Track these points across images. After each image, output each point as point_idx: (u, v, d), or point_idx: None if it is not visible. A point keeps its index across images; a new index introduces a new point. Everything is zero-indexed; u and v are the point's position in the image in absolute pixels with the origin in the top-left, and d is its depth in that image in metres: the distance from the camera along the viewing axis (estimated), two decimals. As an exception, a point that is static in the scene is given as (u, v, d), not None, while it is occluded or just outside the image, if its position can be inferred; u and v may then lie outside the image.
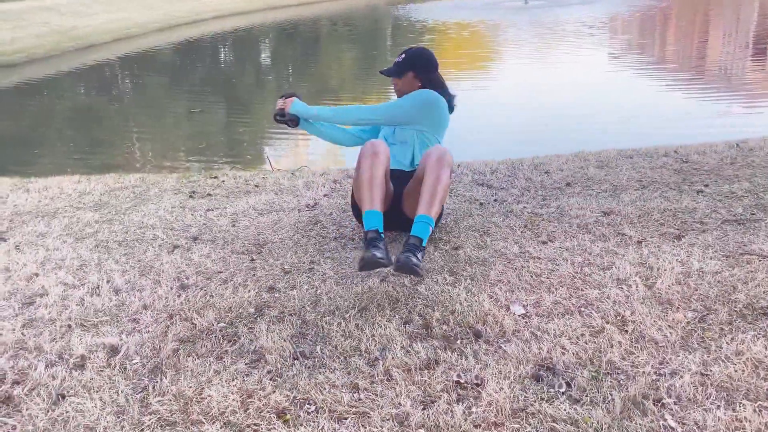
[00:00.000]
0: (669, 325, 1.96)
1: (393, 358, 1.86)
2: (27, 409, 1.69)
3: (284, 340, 1.99)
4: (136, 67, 19.23)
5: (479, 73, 11.27)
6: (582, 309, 2.09)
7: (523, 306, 2.13)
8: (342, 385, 1.74)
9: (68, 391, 1.76)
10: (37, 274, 2.54)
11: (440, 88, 2.94)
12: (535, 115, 7.34)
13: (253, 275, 2.48)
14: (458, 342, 1.94)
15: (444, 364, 1.83)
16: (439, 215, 2.73)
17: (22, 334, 2.09)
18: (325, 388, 1.73)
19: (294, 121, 2.91)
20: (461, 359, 1.84)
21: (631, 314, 2.03)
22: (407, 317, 2.10)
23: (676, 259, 2.39)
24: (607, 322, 1.99)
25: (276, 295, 2.29)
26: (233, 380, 1.79)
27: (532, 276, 2.34)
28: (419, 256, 2.27)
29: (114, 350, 1.98)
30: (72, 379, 1.83)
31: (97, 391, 1.76)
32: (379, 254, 2.20)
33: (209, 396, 1.71)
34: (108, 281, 2.45)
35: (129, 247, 2.80)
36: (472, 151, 4.87)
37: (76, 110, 12.89)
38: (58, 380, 1.82)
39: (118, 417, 1.65)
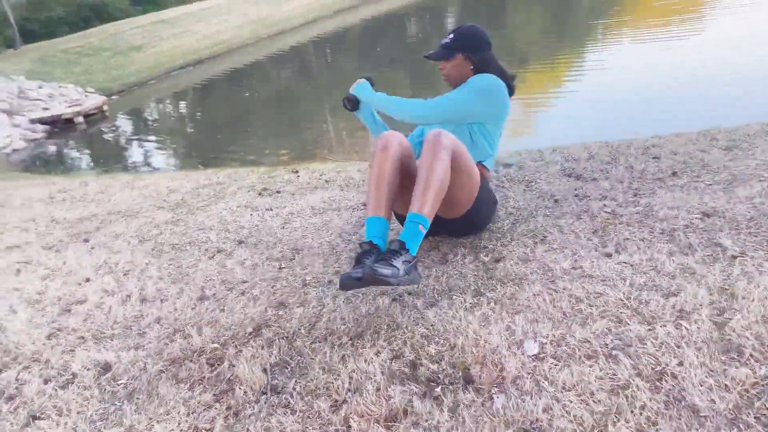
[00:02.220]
0: (724, 386, 1.46)
1: (360, 403, 1.62)
2: (1, 429, 1.74)
3: (263, 370, 1.82)
4: (326, 48, 20.15)
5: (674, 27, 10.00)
6: (614, 352, 1.64)
7: (541, 343, 1.74)
8: (285, 436, 1.55)
9: (42, 413, 1.79)
10: (88, 279, 2.66)
11: (496, 69, 2.54)
12: (713, 76, 6.24)
13: (272, 287, 2.34)
14: (441, 388, 1.63)
15: (411, 417, 1.54)
16: (480, 211, 2.37)
17: (43, 344, 2.18)
18: (264, 438, 1.55)
19: (353, 102, 2.65)
20: (434, 412, 1.54)
21: (676, 365, 1.54)
22: (399, 350, 1.81)
23: (776, 286, 1.79)
24: (638, 374, 1.54)
25: (281, 313, 2.14)
26: (190, 414, 1.68)
27: (571, 301, 1.90)
28: (397, 263, 1.91)
29: (106, 368, 1.98)
30: (54, 398, 1.85)
31: (65, 415, 1.76)
32: (355, 274, 1.87)
33: (150, 435, 1.62)
34: (141, 290, 2.48)
35: (179, 251, 2.83)
36: (605, 127, 4.25)
37: (277, 94, 13.90)
38: (44, 398, 1.86)
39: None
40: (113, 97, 19.15)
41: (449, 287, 2.12)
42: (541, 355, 1.68)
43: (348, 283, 1.86)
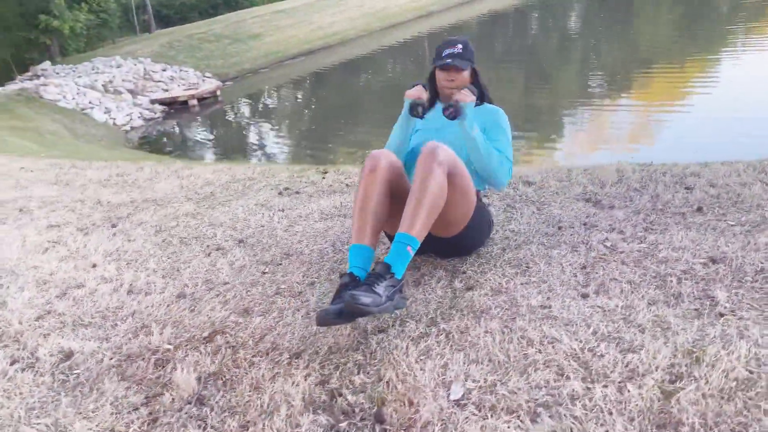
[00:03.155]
0: (639, 468, 1.29)
1: (267, 427, 1.58)
2: (-44, 405, 1.87)
3: (197, 379, 1.83)
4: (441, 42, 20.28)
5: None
6: (538, 410, 1.49)
7: (468, 389, 1.62)
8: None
9: (-5, 394, 1.90)
10: (95, 265, 2.80)
11: (479, 89, 2.41)
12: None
13: (247, 292, 2.34)
14: (348, 423, 1.56)
15: (307, 451, 1.49)
16: (471, 234, 2.23)
17: (28, 326, 2.31)
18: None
19: (421, 111, 2.30)
20: (331, 449, 1.48)
21: (599, 434, 1.39)
22: (327, 376, 1.75)
23: (754, 357, 1.56)
24: (552, 440, 1.40)
25: (240, 321, 2.13)
26: (114, 414, 1.71)
27: (521, 344, 1.76)
28: (379, 289, 1.81)
29: (68, 356, 2.06)
30: (12, 380, 1.95)
31: (11, 399, 1.85)
32: (334, 309, 1.79)
33: (64, 430, 1.67)
34: (133, 281, 2.57)
35: (183, 245, 2.90)
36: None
37: (385, 87, 14.16)
38: (3, 380, 1.97)
39: (10, 428, 1.71)
40: (227, 82, 20.11)
41: (408, 313, 2.02)
42: (463, 402, 1.56)
43: (327, 319, 1.78)
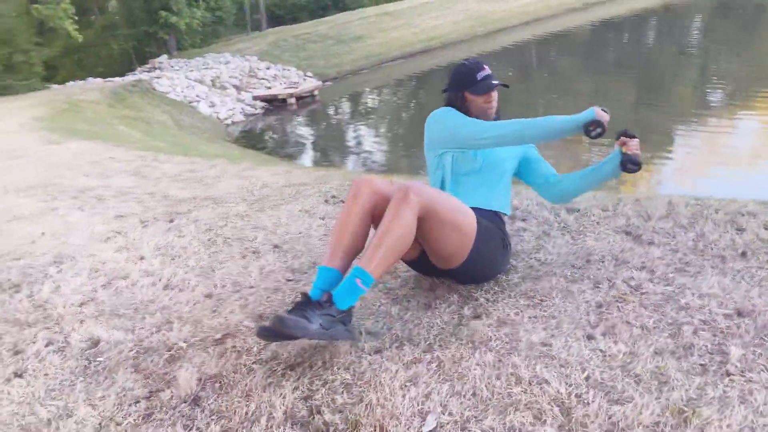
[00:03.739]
0: None
1: (244, 435, 1.64)
2: (-9, 378, 2.06)
3: (198, 379, 1.92)
4: (548, 48, 19.81)
5: None
6: (504, 453, 1.46)
7: (442, 423, 1.60)
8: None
9: (24, 372, 2.08)
10: (142, 258, 2.98)
11: None
12: None
13: (267, 298, 2.43)
14: (319, 442, 1.59)
15: (272, 464, 1.53)
16: (477, 264, 2.20)
17: (70, 311, 2.51)
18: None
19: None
20: (295, 465, 1.52)
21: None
22: (315, 390, 1.79)
23: (749, 425, 1.44)
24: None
25: (252, 326, 2.21)
26: (115, 405, 1.83)
27: (509, 382, 1.72)
28: (313, 316, 1.82)
29: (95, 344, 2.23)
30: (42, 361, 2.14)
31: (37, 378, 2.03)
32: (285, 315, 1.80)
33: (70, 414, 1.80)
34: (172, 276, 2.73)
35: (225, 245, 3.04)
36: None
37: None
38: (35, 360, 2.16)
39: (17, 406, 1.88)
40: (327, 82, 20.63)
41: (409, 336, 2.02)
42: (434, 435, 1.55)
43: (263, 334, 1.86)
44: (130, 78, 18.54)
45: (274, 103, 17.76)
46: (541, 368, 1.76)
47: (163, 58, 22.91)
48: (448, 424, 1.58)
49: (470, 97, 2.41)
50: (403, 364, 1.87)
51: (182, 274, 2.74)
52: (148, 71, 20.71)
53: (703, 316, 1.91)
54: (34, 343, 2.26)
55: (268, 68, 21.17)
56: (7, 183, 5.10)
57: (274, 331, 1.80)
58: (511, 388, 1.69)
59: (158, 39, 25.23)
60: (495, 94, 2.41)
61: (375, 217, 2.10)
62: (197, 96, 17.06)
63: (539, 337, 1.91)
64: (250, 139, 14.35)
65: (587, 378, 1.69)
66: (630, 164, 2.14)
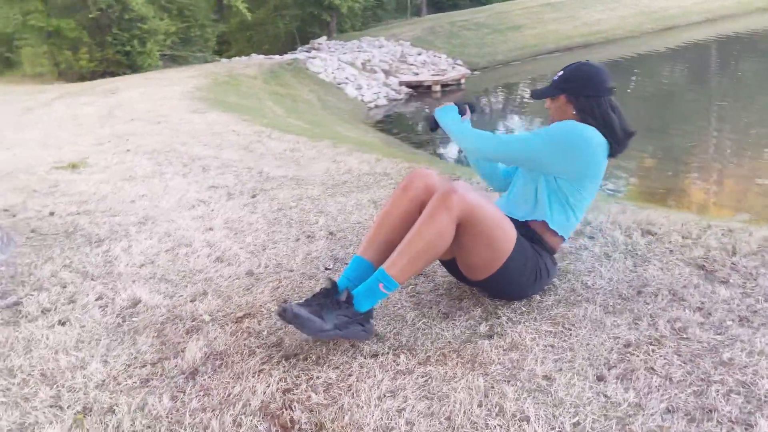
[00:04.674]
0: None
1: (213, 419, 1.67)
2: (33, 321, 2.27)
3: (204, 353, 1.98)
4: (730, 50, 18.28)
5: None
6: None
7: (402, 441, 1.51)
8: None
9: (67, 321, 2.27)
10: (211, 229, 3.13)
11: (601, 120, 2.10)
12: None
13: (300, 283, 2.44)
14: (277, 437, 1.57)
15: (226, 450, 1.54)
16: (505, 283, 2.04)
17: (129, 271, 2.70)
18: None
19: (432, 123, 2.36)
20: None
21: None
22: (297, 384, 1.76)
23: None
24: None
25: (272, 309, 2.23)
26: (125, 365, 1.94)
27: (489, 412, 1.58)
28: (328, 315, 1.79)
29: (134, 304, 2.38)
30: (86, 313, 2.32)
31: (74, 328, 2.20)
32: (301, 311, 1.78)
33: (84, 366, 1.93)
34: (226, 251, 2.83)
35: (285, 226, 3.09)
36: None
37: (654, 92, 13.34)
38: (81, 311, 2.34)
39: (47, 350, 2.05)
40: (475, 72, 20.36)
41: (413, 345, 1.94)
42: (387, 453, 1.48)
43: (281, 313, 1.81)
44: (287, 57, 19.49)
45: (419, 90, 17.82)
46: (530, 404, 1.60)
47: (323, 39, 23.84)
48: (407, 445, 1.50)
49: None
50: (393, 374, 1.79)
51: (236, 249, 2.84)
52: (306, 51, 21.67)
53: (743, 377, 1.63)
54: (87, 295, 2.46)
55: (419, 54, 21.27)
56: (139, 144, 5.60)
57: (285, 317, 1.80)
58: (489, 420, 1.56)
59: (321, 20, 26.29)
60: (548, 104, 2.22)
61: (418, 208, 2.03)
62: (346, 78, 17.57)
63: (544, 369, 1.74)
64: (387, 124, 14.54)
65: (575, 424, 1.51)
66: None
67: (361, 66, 19.20)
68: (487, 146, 2.19)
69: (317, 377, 1.80)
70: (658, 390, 1.62)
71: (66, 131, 6.91)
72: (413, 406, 1.64)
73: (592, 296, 2.14)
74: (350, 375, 1.80)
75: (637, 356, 1.77)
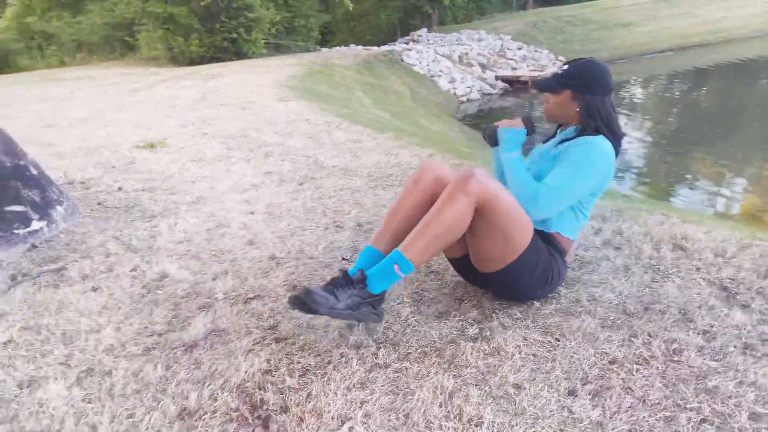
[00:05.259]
0: None
1: (192, 393, 1.78)
2: (71, 285, 2.49)
3: (206, 329, 2.11)
4: None
5: None
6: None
7: (351, 428, 1.55)
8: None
9: (98, 288, 2.47)
10: (252, 213, 3.27)
11: (605, 119, 2.07)
12: None
13: (315, 271, 2.52)
14: (240, 417, 1.65)
15: (210, 418, 1.64)
16: (513, 279, 2.01)
17: (167, 246, 2.88)
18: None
19: (492, 139, 2.23)
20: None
21: None
22: (279, 367, 1.85)
23: None
24: None
25: (280, 294, 2.32)
26: (135, 332, 2.10)
27: (447, 413, 1.59)
28: (342, 295, 1.81)
29: (162, 277, 2.55)
30: (116, 282, 2.51)
31: (102, 294, 2.40)
32: (314, 288, 1.82)
33: (98, 331, 2.11)
34: (257, 234, 2.96)
35: (321, 215, 3.19)
36: None
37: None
38: (114, 280, 2.54)
39: (73, 314, 2.25)
40: (577, 68, 19.61)
41: (399, 340, 1.96)
42: (337, 441, 1.52)
43: (292, 301, 1.83)
44: (384, 48, 19.68)
45: (515, 85, 17.44)
46: (491, 410, 1.59)
47: (423, 31, 23.84)
48: (359, 435, 1.54)
49: None
50: (369, 366, 1.83)
51: (267, 234, 2.96)
52: (405, 43, 21.79)
53: (723, 408, 1.53)
54: (124, 266, 2.67)
55: (519, 49, 20.82)
56: (218, 128, 5.91)
57: (302, 302, 1.81)
58: (445, 422, 1.56)
59: (423, 12, 26.30)
60: (548, 97, 2.16)
61: (434, 203, 2.04)
62: (440, 71, 17.51)
63: (517, 378, 1.72)
64: (476, 118, 14.35)
65: (528, 436, 1.49)
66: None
67: (458, 59, 19.05)
68: (528, 205, 2.01)
69: (297, 362, 1.87)
70: (627, 411, 1.56)
71: (159, 112, 7.39)
72: (377, 399, 1.67)
73: (594, 309, 2.06)
74: (329, 363, 1.86)
75: (618, 374, 1.70)
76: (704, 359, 1.74)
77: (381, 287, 1.91)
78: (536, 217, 2.02)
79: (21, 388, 1.82)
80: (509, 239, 1.94)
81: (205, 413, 1.67)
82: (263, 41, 18.26)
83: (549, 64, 19.54)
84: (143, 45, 19.17)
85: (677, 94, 15.73)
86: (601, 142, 2.03)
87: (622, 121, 11.84)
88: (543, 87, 2.17)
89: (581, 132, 2.09)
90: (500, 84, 17.46)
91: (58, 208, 3.19)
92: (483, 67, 19.07)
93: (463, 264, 2.19)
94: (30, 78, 14.91)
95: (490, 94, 16.90)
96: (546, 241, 2.10)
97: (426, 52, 18.58)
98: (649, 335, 1.88)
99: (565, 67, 2.13)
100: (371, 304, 1.89)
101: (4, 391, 1.81)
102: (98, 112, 7.77)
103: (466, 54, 19.41)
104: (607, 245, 2.57)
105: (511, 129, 2.15)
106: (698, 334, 1.88)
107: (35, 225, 2.99)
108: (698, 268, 2.31)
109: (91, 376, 1.87)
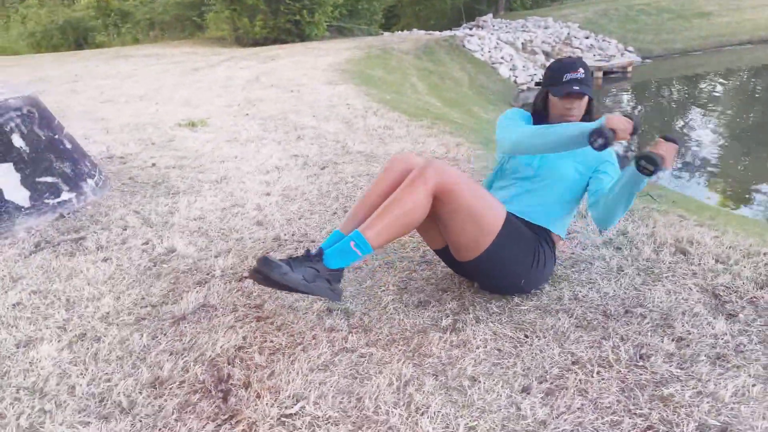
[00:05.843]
0: None
1: (166, 364, 1.88)
2: (86, 255, 2.64)
3: (193, 306, 2.21)
4: None
5: None
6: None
7: (308, 412, 1.61)
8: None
9: (110, 258, 2.61)
10: (268, 194, 3.36)
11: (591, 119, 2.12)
12: None
13: (311, 255, 2.58)
14: (203, 389, 1.74)
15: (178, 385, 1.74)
16: (491, 268, 2.03)
17: (182, 222, 3.00)
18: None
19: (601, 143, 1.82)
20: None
21: None
22: (254, 344, 1.93)
23: None
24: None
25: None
26: (133, 303, 2.23)
27: (393, 403, 1.62)
28: (299, 267, 1.84)
29: (170, 252, 2.67)
30: (126, 254, 2.65)
31: (109, 266, 2.54)
32: (271, 256, 1.84)
33: (99, 298, 2.24)
34: (266, 216, 3.05)
35: (333, 200, 3.25)
36: None
37: None
38: (124, 252, 2.68)
39: (82, 281, 2.40)
40: (646, 60, 18.94)
41: (372, 326, 2.01)
42: (291, 420, 1.58)
43: (253, 273, 1.86)
44: (445, 33, 19.49)
45: (578, 75, 16.95)
46: (440, 401, 1.62)
47: (488, 17, 23.43)
48: (308, 416, 1.59)
49: (551, 97, 2.16)
50: (337, 349, 1.89)
51: (277, 216, 3.04)
52: (469, 28, 21.49)
53: (672, 416, 1.50)
54: (137, 239, 2.81)
55: (586, 37, 20.18)
56: (260, 110, 6.05)
57: (261, 273, 1.84)
58: (393, 408, 1.60)
59: (489, -3, 25.90)
60: (579, 103, 2.12)
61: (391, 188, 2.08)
62: (502, 58, 17.21)
63: (476, 371, 1.73)
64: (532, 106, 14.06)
65: (470, 428, 1.51)
66: (644, 160, 1.77)
67: (521, 46, 18.65)
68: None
69: (270, 341, 1.95)
70: (575, 412, 1.55)
71: (211, 92, 7.62)
72: (336, 382, 1.73)
73: (573, 308, 2.04)
74: (300, 344, 1.92)
75: (577, 375, 1.69)
76: (670, 366, 1.71)
77: (337, 263, 1.93)
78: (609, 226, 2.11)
79: (18, 347, 1.97)
80: (478, 221, 1.96)
81: (174, 383, 1.77)
82: (326, 24, 18.41)
83: (617, 54, 18.86)
84: (211, 25, 19.70)
85: (759, 89, 14.79)
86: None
87: (697, 116, 11.12)
88: (587, 91, 2.11)
89: None
90: (563, 73, 16.99)
91: (89, 180, 3.38)
92: (547, 55, 18.61)
93: (447, 256, 2.21)
94: (103, 54, 15.57)
95: (550, 84, 16.49)
96: (532, 229, 2.11)
97: (488, 38, 18.27)
98: (622, 338, 1.85)
99: (581, 70, 2.10)
100: (327, 280, 1.90)
101: (2, 349, 1.96)
102: (155, 90, 8.08)
103: (530, 41, 18.97)
104: (608, 245, 2.52)
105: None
106: (673, 340, 1.83)
107: (65, 196, 3.18)
108: (694, 273, 2.24)
109: (82, 340, 2.01)
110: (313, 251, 2.01)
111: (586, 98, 2.13)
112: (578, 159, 2.17)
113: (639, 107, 12.98)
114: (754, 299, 2.05)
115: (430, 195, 1.90)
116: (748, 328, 1.88)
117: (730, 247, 2.43)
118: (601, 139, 1.77)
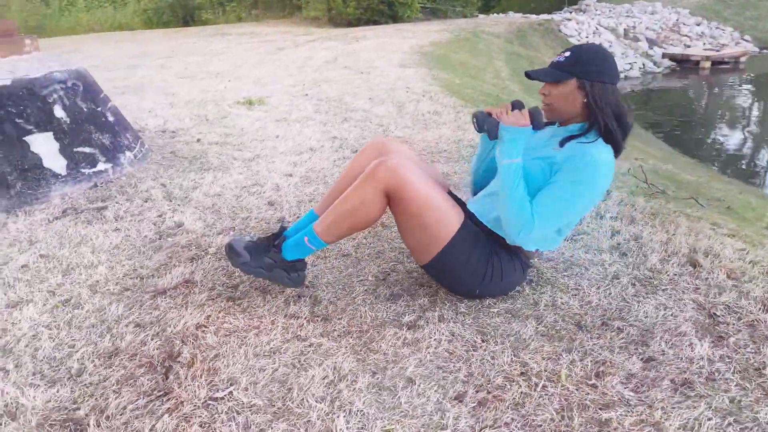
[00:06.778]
0: None
1: (142, 341, 1.93)
2: (101, 224, 2.76)
3: (176, 282, 2.26)
4: None
5: None
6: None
7: (231, 392, 1.60)
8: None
9: (118, 231, 2.72)
10: (290, 175, 3.38)
11: (616, 110, 1.85)
12: None
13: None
14: (149, 365, 1.77)
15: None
16: (446, 271, 1.95)
17: (199, 200, 3.07)
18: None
19: (491, 132, 1.92)
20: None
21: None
22: (213, 324, 1.95)
23: None
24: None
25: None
26: (128, 273, 2.31)
27: (322, 398, 1.59)
28: (258, 255, 1.99)
29: (177, 226, 2.75)
30: (136, 227, 2.75)
31: (118, 237, 2.64)
32: (235, 243, 2.01)
33: (95, 266, 2.34)
34: (282, 196, 3.07)
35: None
36: None
37: None
38: (136, 226, 2.78)
39: (90, 249, 2.52)
40: (764, 50, 17.41)
41: (335, 317, 1.97)
42: (217, 403, 1.59)
43: (227, 247, 2.05)
44: (542, 17, 18.79)
45: (683, 65, 15.79)
46: (367, 400, 1.57)
47: (592, 0, 22.39)
48: (234, 402, 1.59)
49: None
50: (290, 336, 1.88)
51: (290, 197, 3.06)
52: (569, 12, 20.61)
53: (602, 444, 1.37)
54: (153, 211, 2.91)
55: (697, 24, 18.80)
56: (320, 91, 6.10)
57: (226, 253, 2.06)
58: (319, 403, 1.58)
59: (597, -21, 24.62)
60: (549, 88, 1.90)
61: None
62: (600, 44, 16.41)
63: (415, 372, 1.67)
64: (630, 99, 13.30)
65: (383, 429, 1.45)
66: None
67: (623, 32, 17.67)
68: (514, 222, 1.87)
69: (230, 322, 1.96)
70: (500, 428, 1.45)
71: (285, 72, 7.76)
72: (274, 369, 1.72)
73: (545, 315, 1.91)
74: (255, 328, 1.93)
75: (519, 388, 1.58)
76: (624, 388, 1.56)
77: (292, 255, 2.04)
78: (517, 242, 1.92)
79: (7, 308, 2.10)
80: (425, 228, 1.90)
81: (127, 355, 1.82)
82: (419, 5, 18.24)
83: (731, 43, 17.45)
84: (306, 6, 20.05)
85: None
86: (606, 157, 1.81)
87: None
88: (544, 76, 1.90)
89: (588, 129, 1.87)
90: (666, 62, 15.94)
91: (127, 153, 3.54)
92: (651, 42, 17.50)
93: None
94: (204, 32, 16.24)
95: (653, 73, 15.49)
96: (492, 237, 1.99)
97: (588, 23, 17.44)
98: (585, 353, 1.71)
99: (567, 53, 1.89)
100: (284, 269, 2.02)
101: (-6, 308, 2.10)
102: (234, 67, 8.33)
103: (633, 27, 17.91)
104: (614, 250, 2.33)
105: (515, 129, 1.85)
106: (641, 360, 1.67)
107: (101, 166, 3.35)
108: (696, 288, 2.03)
109: (65, 306, 2.11)
110: (288, 233, 2.09)
111: (564, 87, 1.86)
112: (546, 161, 1.91)
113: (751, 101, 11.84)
114: (755, 323, 1.83)
115: (381, 193, 1.86)
116: (733, 355, 1.69)
117: (751, 263, 2.18)
118: (484, 127, 1.94)
